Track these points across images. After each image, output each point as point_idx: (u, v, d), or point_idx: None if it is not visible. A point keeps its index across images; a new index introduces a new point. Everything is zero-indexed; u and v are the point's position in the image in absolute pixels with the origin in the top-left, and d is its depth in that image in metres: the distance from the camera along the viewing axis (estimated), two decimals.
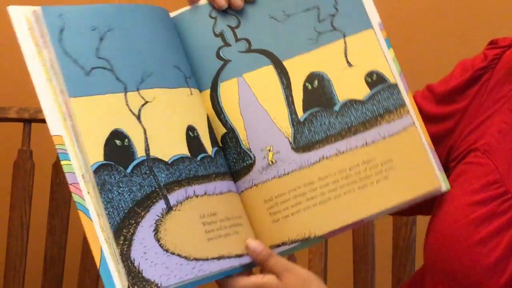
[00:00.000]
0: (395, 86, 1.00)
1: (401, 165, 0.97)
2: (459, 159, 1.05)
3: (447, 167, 1.07)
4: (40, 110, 1.71)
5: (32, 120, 1.66)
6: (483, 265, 0.96)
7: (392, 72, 1.00)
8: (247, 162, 0.99)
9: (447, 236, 0.99)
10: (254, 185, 0.98)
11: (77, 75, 0.93)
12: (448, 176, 1.04)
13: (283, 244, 0.97)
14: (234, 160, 0.99)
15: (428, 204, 1.08)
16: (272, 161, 0.98)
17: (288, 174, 0.98)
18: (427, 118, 1.04)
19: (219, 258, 0.94)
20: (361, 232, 1.48)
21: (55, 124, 0.92)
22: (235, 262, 0.95)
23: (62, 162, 0.91)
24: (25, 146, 1.65)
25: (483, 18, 1.72)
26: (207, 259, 0.92)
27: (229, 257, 0.95)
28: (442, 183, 1.00)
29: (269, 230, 0.98)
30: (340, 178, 0.97)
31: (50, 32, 0.92)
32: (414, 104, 1.02)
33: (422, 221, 1.49)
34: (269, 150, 0.99)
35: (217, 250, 0.94)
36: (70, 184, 0.91)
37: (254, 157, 0.99)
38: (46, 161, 1.67)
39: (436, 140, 1.04)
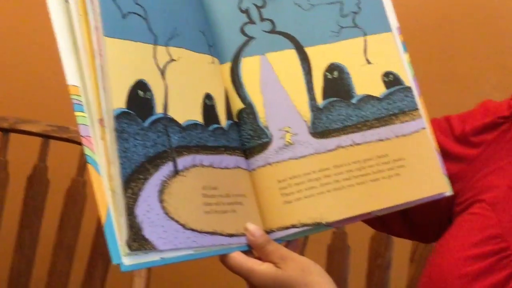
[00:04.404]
0: (409, 89, 1.01)
1: (412, 165, 0.98)
2: (464, 206, 1.03)
3: (452, 211, 1.05)
4: (19, 121, 1.65)
5: (11, 130, 1.64)
6: None
7: (407, 76, 1.02)
8: (263, 140, 0.97)
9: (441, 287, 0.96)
10: (269, 163, 0.96)
11: (114, 15, 0.88)
12: (452, 223, 1.03)
13: (293, 226, 0.95)
14: (249, 136, 0.97)
15: (423, 228, 1.09)
16: (289, 142, 0.97)
17: (304, 157, 0.97)
18: (444, 153, 1.02)
19: (212, 233, 0.90)
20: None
21: (73, 74, 0.87)
22: (226, 241, 0.91)
23: (77, 114, 0.86)
24: (1, 156, 1.63)
25: (496, 25, 1.77)
26: (201, 232, 0.89)
27: (221, 234, 0.91)
28: (448, 188, 1.00)
29: (280, 210, 0.95)
30: (354, 169, 0.97)
31: None
32: (425, 109, 1.01)
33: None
34: (287, 131, 0.98)
35: (212, 225, 0.90)
36: (83, 136, 0.86)
37: (272, 136, 0.97)
38: (21, 172, 1.66)
39: (450, 180, 1.01)
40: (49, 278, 1.62)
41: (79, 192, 1.66)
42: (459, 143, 1.07)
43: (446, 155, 1.03)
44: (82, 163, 1.66)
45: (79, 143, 1.66)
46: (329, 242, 1.57)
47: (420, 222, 1.11)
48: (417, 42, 1.74)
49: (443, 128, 1.08)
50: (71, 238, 1.64)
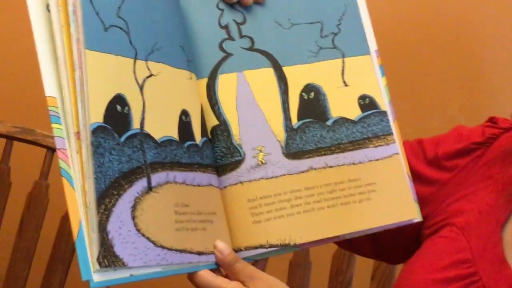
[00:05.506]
0: (385, 113, 1.02)
1: (383, 189, 0.98)
2: (434, 229, 1.03)
3: (421, 233, 1.05)
4: None
5: None
6: None
7: (383, 100, 1.02)
8: (236, 158, 0.96)
9: None
10: (240, 182, 0.96)
11: (96, 28, 0.87)
12: (420, 244, 1.03)
13: (261, 247, 0.94)
14: (222, 154, 0.97)
15: (394, 251, 1.09)
16: (262, 162, 0.97)
17: (276, 177, 0.96)
18: (416, 176, 1.02)
19: (181, 251, 0.89)
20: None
21: (51, 85, 0.85)
22: (195, 259, 0.91)
23: (53, 126, 0.85)
24: None
25: (463, 50, 1.78)
26: (171, 249, 0.88)
27: (190, 252, 0.90)
28: (417, 214, 1.00)
29: (249, 230, 0.95)
30: (326, 191, 0.97)
31: None
32: (399, 134, 1.02)
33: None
34: (260, 150, 0.97)
35: (182, 242, 0.90)
36: (58, 149, 0.84)
37: (244, 154, 0.96)
38: None
39: (419, 202, 1.01)
40: (6, 282, 1.59)
41: (41, 195, 1.64)
42: (431, 167, 1.07)
43: (418, 177, 1.04)
44: (46, 166, 1.64)
45: (44, 146, 1.65)
46: (291, 258, 1.57)
47: (387, 244, 1.11)
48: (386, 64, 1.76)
49: (416, 150, 1.09)
50: (31, 242, 1.61)
